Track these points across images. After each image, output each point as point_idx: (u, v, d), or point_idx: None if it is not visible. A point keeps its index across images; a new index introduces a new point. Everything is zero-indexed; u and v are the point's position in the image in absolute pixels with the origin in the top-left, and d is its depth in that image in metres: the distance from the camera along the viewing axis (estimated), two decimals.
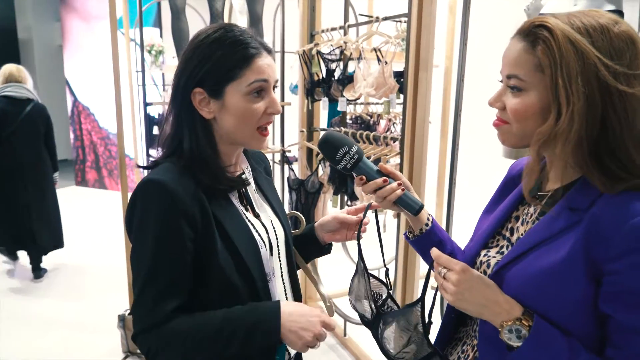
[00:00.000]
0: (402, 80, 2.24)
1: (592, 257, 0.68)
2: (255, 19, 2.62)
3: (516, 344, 0.71)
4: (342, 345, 2.82)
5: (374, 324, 0.98)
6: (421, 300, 0.90)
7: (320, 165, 2.75)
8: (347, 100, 2.46)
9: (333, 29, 2.52)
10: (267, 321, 0.85)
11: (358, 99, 2.50)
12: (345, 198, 2.77)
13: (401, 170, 2.09)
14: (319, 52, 2.53)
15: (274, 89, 0.94)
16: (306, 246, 1.16)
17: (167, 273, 0.85)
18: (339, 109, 2.49)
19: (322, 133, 2.92)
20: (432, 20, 1.92)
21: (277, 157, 3.46)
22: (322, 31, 2.61)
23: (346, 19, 2.87)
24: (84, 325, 3.04)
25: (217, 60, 0.87)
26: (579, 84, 0.67)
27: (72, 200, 6.40)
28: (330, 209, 2.83)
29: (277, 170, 3.28)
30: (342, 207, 2.90)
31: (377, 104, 3.25)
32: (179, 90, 0.90)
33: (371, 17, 2.18)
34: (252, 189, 1.04)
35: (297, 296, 1.10)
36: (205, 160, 0.91)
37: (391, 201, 0.94)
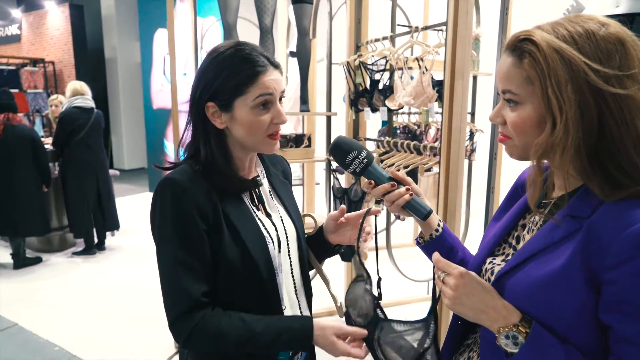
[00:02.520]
0: (441, 89, 2.23)
1: (590, 265, 0.67)
2: (302, 32, 2.72)
3: (513, 350, 0.71)
4: None
5: (370, 334, 0.98)
6: (433, 313, 0.90)
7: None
8: (389, 109, 2.48)
9: (377, 40, 2.56)
10: (298, 341, 0.97)
11: (400, 108, 2.52)
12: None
13: (439, 179, 2.08)
14: (362, 63, 2.58)
15: (280, 100, 1.01)
16: (317, 246, 1.21)
17: (190, 260, 0.94)
18: (381, 118, 2.52)
19: (367, 143, 2.95)
20: (467, 30, 1.91)
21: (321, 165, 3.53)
22: (367, 42, 2.66)
23: (393, 29, 2.89)
24: (140, 320, 3.27)
25: (227, 77, 0.95)
26: (569, 92, 0.67)
27: (146, 205, 6.90)
28: (372, 217, 2.84)
29: (323, 178, 3.35)
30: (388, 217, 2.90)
31: (418, 113, 3.23)
32: (194, 103, 1.00)
33: (410, 27, 2.20)
34: (265, 190, 1.11)
35: (308, 294, 1.16)
36: (218, 166, 1.00)
37: (399, 205, 0.96)
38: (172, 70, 2.61)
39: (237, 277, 0.98)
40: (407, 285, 3.45)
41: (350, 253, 1.25)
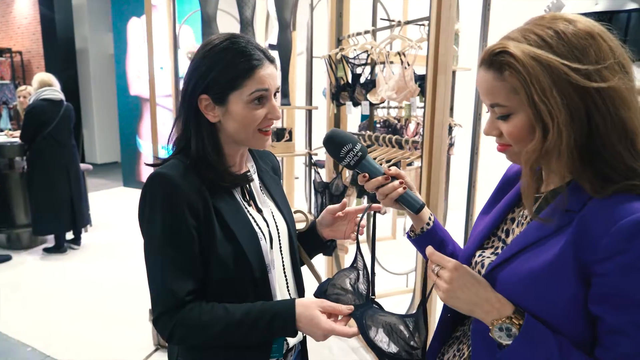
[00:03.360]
0: (424, 83, 2.24)
1: (581, 258, 0.68)
2: (284, 25, 2.69)
3: (506, 342, 0.72)
4: (365, 349, 2.83)
5: (359, 311, 0.96)
6: (422, 305, 0.90)
7: (344, 168, 2.79)
8: (371, 103, 2.48)
9: (359, 34, 2.55)
10: (283, 316, 0.93)
11: (381, 102, 2.52)
12: (368, 200, 2.78)
13: (421, 173, 2.09)
14: (343, 57, 2.57)
15: (275, 95, 1.00)
16: (309, 242, 1.20)
17: (178, 258, 0.92)
18: (362, 112, 2.52)
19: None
20: (450, 25, 1.91)
21: (302, 159, 3.52)
22: (349, 36, 2.65)
23: (374, 23, 2.89)
24: (118, 317, 3.20)
25: (222, 70, 0.93)
26: (556, 96, 0.67)
27: (119, 200, 6.74)
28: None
29: (303, 172, 3.33)
30: None
31: (400, 107, 3.24)
32: (187, 96, 0.97)
33: (393, 21, 2.20)
34: (256, 186, 1.10)
35: (300, 290, 1.14)
36: (210, 160, 0.97)
37: (393, 199, 0.96)
38: (149, 64, 2.54)
39: (229, 274, 0.96)
40: (387, 278, 3.48)
41: (332, 247, 1.24)
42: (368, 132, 2.67)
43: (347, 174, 2.81)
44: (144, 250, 0.96)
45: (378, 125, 3.20)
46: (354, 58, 2.60)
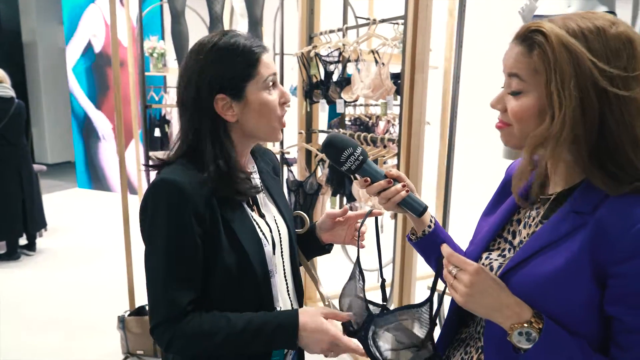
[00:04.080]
0: (399, 82, 2.26)
1: (597, 260, 0.68)
2: (254, 22, 2.64)
3: (526, 347, 0.71)
4: None
5: (364, 327, 0.97)
6: (429, 300, 0.89)
7: (318, 167, 2.77)
8: (345, 102, 2.47)
9: (331, 31, 2.54)
10: (285, 329, 0.91)
11: (356, 100, 2.52)
12: (344, 199, 2.79)
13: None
14: (317, 55, 2.55)
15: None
16: (308, 245, 1.18)
17: (180, 268, 0.89)
18: (337, 110, 2.51)
19: (320, 135, 2.94)
20: (427, 23, 1.93)
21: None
22: (321, 33, 2.63)
23: (345, 21, 2.88)
24: (83, 326, 3.06)
25: (234, 64, 0.92)
26: (572, 89, 0.67)
27: (75, 202, 6.44)
28: (328, 210, 2.84)
29: None
30: (340, 208, 2.90)
31: (376, 105, 3.26)
32: (201, 101, 0.93)
33: (369, 19, 2.20)
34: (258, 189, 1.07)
35: (299, 294, 1.13)
36: (230, 173, 0.94)
37: (395, 203, 0.94)
38: (114, 57, 2.42)
39: (232, 280, 0.94)
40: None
41: (330, 251, 1.23)
42: (341, 130, 2.66)
43: (320, 172, 2.80)
44: (145, 255, 0.92)
45: (349, 123, 3.20)
46: (327, 56, 2.58)
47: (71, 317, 3.17)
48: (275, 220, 1.06)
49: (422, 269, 3.71)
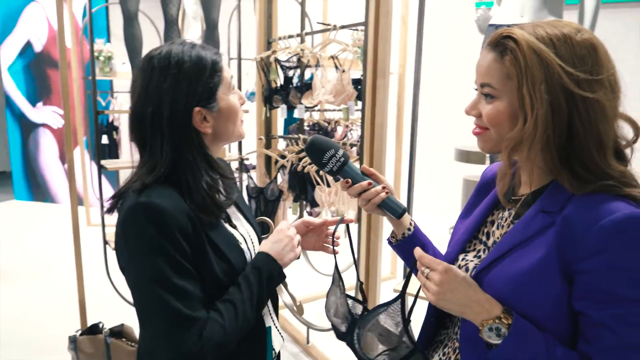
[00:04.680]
0: (359, 87, 2.28)
1: (564, 257, 0.71)
2: (211, 25, 2.59)
3: (496, 342, 0.73)
4: (305, 353, 2.81)
5: (349, 331, 0.98)
6: (401, 297, 0.91)
7: (279, 173, 2.75)
8: (305, 107, 2.47)
9: (290, 37, 2.53)
10: (267, 265, 0.97)
11: (316, 106, 2.52)
12: (305, 205, 2.78)
13: None
14: (277, 60, 2.53)
15: None
16: None
17: (186, 283, 0.84)
18: (297, 116, 2.50)
19: (280, 141, 2.92)
20: (388, 30, 1.97)
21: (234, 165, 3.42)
22: (280, 38, 2.61)
23: (302, 26, 2.89)
24: (31, 348, 2.85)
25: (203, 73, 0.91)
26: (542, 92, 0.70)
27: (12, 216, 6.02)
28: (290, 216, 2.82)
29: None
30: (301, 215, 2.89)
31: (335, 110, 3.29)
32: (178, 119, 0.89)
33: (329, 25, 2.21)
34: None
35: (274, 300, 1.11)
36: (204, 186, 0.91)
37: (375, 204, 0.95)
38: (61, 68, 2.28)
39: (221, 290, 0.92)
40: (318, 279, 3.50)
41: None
42: (302, 135, 2.66)
43: (280, 178, 2.77)
44: (135, 286, 0.86)
45: (307, 128, 3.20)
46: (286, 61, 2.57)
47: (17, 339, 2.95)
48: (246, 230, 1.05)
49: (386, 270, 3.76)
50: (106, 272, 2.81)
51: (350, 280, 3.44)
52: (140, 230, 0.83)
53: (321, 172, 2.30)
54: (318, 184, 2.41)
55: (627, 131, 0.77)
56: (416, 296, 0.90)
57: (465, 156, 4.07)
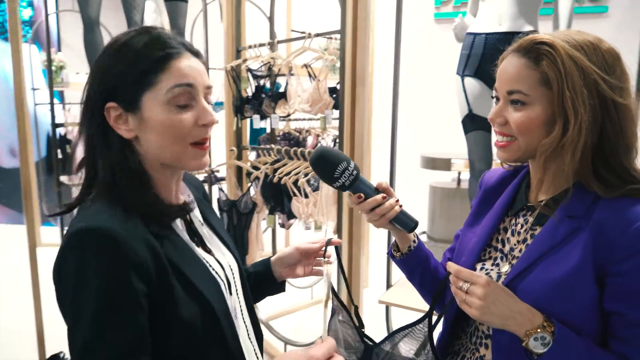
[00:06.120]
0: (334, 96, 2.25)
1: (598, 261, 0.72)
2: (178, 33, 2.48)
3: (541, 351, 0.72)
4: None
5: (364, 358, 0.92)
6: (428, 317, 0.87)
7: (252, 185, 2.66)
8: (280, 117, 2.41)
9: (262, 45, 2.47)
10: None
11: (290, 115, 2.46)
12: (279, 218, 2.70)
13: None
14: (248, 69, 2.46)
15: (206, 97, 0.81)
16: (260, 283, 1.05)
17: (122, 337, 0.68)
18: (272, 125, 2.43)
19: (251, 151, 2.83)
20: (366, 38, 1.95)
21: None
22: (250, 47, 2.54)
23: (272, 34, 2.83)
24: None
25: (128, 65, 0.74)
26: (585, 97, 0.71)
27: None
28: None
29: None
30: (274, 228, 2.81)
31: (305, 119, 3.24)
32: (89, 107, 0.77)
33: (303, 33, 2.17)
34: (198, 222, 0.91)
35: (258, 335, 0.98)
36: (127, 189, 0.76)
37: (389, 219, 0.90)
38: (16, 80, 2.11)
39: (194, 334, 0.76)
40: (291, 292, 3.42)
41: (284, 288, 1.15)
42: (277, 146, 2.59)
43: (253, 191, 2.69)
44: (69, 330, 0.70)
45: (278, 138, 3.14)
46: (257, 69, 2.51)
47: None
48: (224, 256, 0.92)
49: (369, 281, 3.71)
50: None
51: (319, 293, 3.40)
52: (84, 262, 0.67)
53: (299, 183, 2.24)
54: (295, 195, 2.34)
55: None
56: (441, 315, 0.87)
57: (431, 163, 4.15)
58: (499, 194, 0.93)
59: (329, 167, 0.87)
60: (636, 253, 0.70)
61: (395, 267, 2.34)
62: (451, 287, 0.80)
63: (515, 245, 0.85)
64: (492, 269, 0.86)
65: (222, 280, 0.85)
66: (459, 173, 4.11)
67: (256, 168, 2.60)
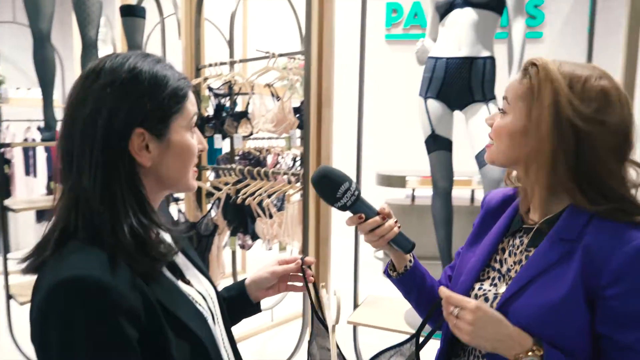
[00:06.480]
0: (297, 115, 2.25)
1: (588, 284, 0.74)
2: (135, 50, 2.39)
3: None
4: None
5: None
6: (415, 337, 0.88)
7: (213, 206, 2.59)
8: (243, 136, 2.38)
9: (223, 64, 2.44)
10: None
11: (251, 134, 2.44)
12: (239, 239, 2.64)
13: (307, 205, 2.07)
14: (209, 87, 2.42)
15: None
16: (236, 307, 1.01)
17: None
18: (235, 145, 2.39)
19: (211, 171, 2.77)
20: (331, 59, 1.98)
21: None
22: (210, 65, 2.50)
23: (231, 54, 2.81)
24: None
25: (160, 92, 0.74)
26: (548, 113, 0.76)
27: None
28: (227, 250, 2.67)
29: None
30: (234, 250, 2.74)
31: (264, 138, 3.22)
32: (113, 139, 0.70)
33: (267, 53, 2.17)
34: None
35: (238, 358, 0.93)
36: (145, 238, 0.71)
37: (388, 240, 0.90)
38: None
39: None
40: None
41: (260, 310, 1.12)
42: (239, 166, 2.54)
43: (214, 212, 2.62)
44: None
45: (237, 158, 3.09)
46: (218, 88, 2.47)
47: None
48: (202, 284, 0.88)
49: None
50: (9, 331, 2.41)
51: (279, 314, 3.34)
52: (70, 316, 0.61)
53: (264, 203, 2.21)
54: (259, 215, 2.31)
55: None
56: (428, 337, 0.87)
57: (387, 180, 4.24)
58: (500, 214, 0.95)
59: (332, 186, 0.86)
60: (622, 277, 0.71)
61: (362, 287, 2.34)
62: (443, 312, 0.80)
63: (512, 266, 0.87)
64: (489, 290, 0.87)
65: (207, 313, 0.82)
66: (413, 190, 4.24)
67: (217, 188, 2.54)
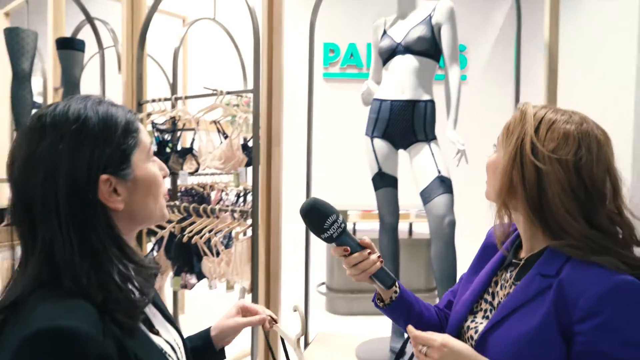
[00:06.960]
0: (246, 152, 2.25)
1: (562, 320, 0.77)
2: (72, 83, 2.29)
3: None
4: None
5: None
6: None
7: (155, 245, 2.49)
8: (189, 173, 2.33)
9: (167, 99, 2.40)
10: None
11: (196, 171, 2.40)
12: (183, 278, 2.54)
13: (256, 242, 2.05)
14: (153, 123, 2.36)
15: None
16: (200, 357, 0.99)
17: None
18: (179, 182, 2.33)
19: None
20: (281, 97, 2.02)
21: None
22: (153, 100, 2.46)
23: (174, 90, 2.78)
24: None
25: (113, 132, 0.72)
26: (512, 151, 0.85)
27: None
28: (169, 290, 2.55)
29: None
30: (176, 291, 2.62)
31: (207, 174, 3.17)
32: (79, 188, 0.68)
33: (215, 90, 2.17)
34: None
35: None
36: (124, 288, 0.69)
37: (370, 274, 0.93)
38: None
39: None
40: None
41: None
42: (184, 202, 2.47)
43: (156, 251, 2.51)
44: None
45: (179, 194, 3.00)
46: (162, 124, 2.42)
47: None
48: (169, 333, 0.85)
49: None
50: None
51: (229, 354, 3.21)
52: None
53: (213, 242, 2.16)
54: (205, 254, 2.24)
55: None
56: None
57: None
58: (497, 250, 1.00)
59: (320, 218, 0.88)
60: (592, 315, 0.73)
61: (312, 326, 2.33)
62: (413, 350, 0.83)
63: (502, 299, 0.90)
64: (481, 322, 0.91)
65: None
66: (355, 224, 4.32)
67: (160, 227, 2.45)
